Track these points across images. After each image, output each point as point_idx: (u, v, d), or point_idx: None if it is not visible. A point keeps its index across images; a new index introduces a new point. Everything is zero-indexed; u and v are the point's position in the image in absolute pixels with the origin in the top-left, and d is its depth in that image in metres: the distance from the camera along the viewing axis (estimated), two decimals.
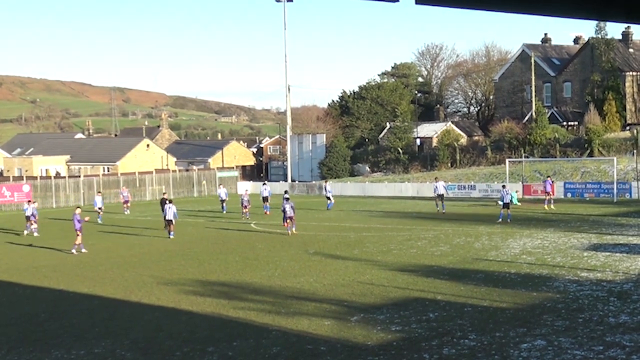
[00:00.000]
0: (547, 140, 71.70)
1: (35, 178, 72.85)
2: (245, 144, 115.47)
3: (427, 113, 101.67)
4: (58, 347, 17.16)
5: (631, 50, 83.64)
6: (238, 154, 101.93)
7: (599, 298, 20.14)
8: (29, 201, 47.57)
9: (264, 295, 22.37)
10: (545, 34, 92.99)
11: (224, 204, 53.42)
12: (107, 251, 34.19)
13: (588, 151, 67.89)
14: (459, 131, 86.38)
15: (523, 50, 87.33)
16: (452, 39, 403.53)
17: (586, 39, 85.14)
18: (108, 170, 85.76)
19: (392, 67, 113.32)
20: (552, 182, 49.61)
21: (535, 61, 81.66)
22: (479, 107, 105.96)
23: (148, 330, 18.47)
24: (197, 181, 78.19)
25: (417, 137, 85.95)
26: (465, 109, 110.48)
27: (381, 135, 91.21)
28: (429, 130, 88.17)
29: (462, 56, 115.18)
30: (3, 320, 20.49)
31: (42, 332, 18.74)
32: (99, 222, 48.08)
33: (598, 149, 67.57)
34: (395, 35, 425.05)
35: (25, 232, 43.11)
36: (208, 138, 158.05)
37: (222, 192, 54.73)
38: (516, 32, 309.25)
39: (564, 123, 79.22)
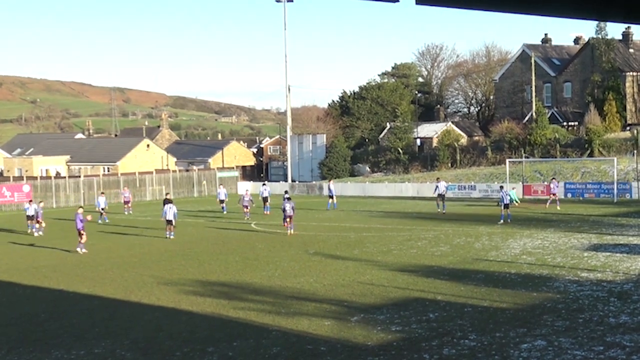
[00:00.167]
0: (548, 141, 71.68)
1: (36, 178, 72.87)
2: (246, 144, 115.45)
3: (428, 113, 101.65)
4: (58, 347, 17.16)
5: (631, 50, 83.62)
6: (238, 154, 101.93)
7: (599, 298, 20.14)
8: (30, 201, 47.62)
9: (264, 296, 22.37)
10: (546, 34, 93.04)
11: (224, 205, 53.38)
12: (107, 251, 34.19)
13: (588, 151, 67.86)
14: (459, 131, 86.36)
15: (523, 50, 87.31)
16: (453, 39, 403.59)
17: (586, 40, 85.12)
18: (108, 171, 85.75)
19: (393, 67, 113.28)
20: (558, 183, 50.37)
21: (535, 61, 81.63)
22: (479, 108, 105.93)
23: (148, 331, 18.47)
24: (198, 181, 78.19)
25: (418, 138, 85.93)
26: (466, 109, 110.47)
27: (381, 136, 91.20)
28: (429, 130, 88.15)
29: (462, 56, 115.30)
30: (3, 320, 20.49)
31: (42, 332, 18.74)
32: (106, 221, 48.14)
33: (598, 149, 67.55)
34: (395, 35, 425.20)
35: (32, 230, 43.12)
36: (208, 138, 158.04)
37: (221, 192, 54.67)
38: (516, 33, 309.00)
39: (564, 123, 79.21)
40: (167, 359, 15.90)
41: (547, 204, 47.84)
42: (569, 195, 55.19)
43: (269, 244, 34.65)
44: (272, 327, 18.18)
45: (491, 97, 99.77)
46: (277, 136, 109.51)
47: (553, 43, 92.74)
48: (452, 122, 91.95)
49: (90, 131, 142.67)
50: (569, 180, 59.40)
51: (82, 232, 33.90)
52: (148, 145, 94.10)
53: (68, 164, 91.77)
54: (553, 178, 52.52)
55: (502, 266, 26.01)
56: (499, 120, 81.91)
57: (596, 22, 76.04)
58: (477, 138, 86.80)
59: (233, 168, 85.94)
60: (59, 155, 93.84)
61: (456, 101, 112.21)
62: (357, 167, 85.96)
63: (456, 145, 79.06)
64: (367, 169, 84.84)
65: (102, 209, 50.05)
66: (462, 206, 52.10)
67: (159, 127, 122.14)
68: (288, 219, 38.41)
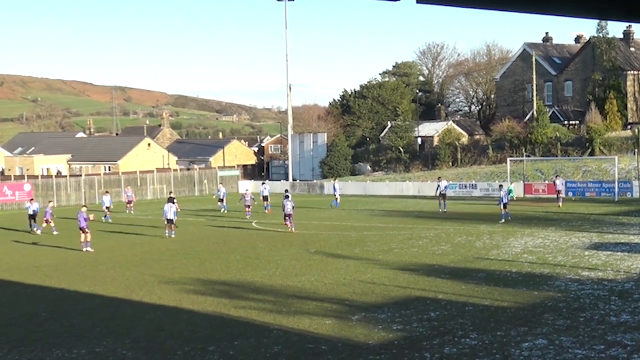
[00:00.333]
0: (549, 139, 71.67)
1: (37, 177, 72.93)
2: (247, 143, 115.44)
3: (428, 112, 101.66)
4: (59, 346, 17.17)
5: (632, 49, 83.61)
6: (239, 153, 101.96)
7: (600, 297, 20.14)
8: (31, 200, 47.68)
9: (265, 294, 22.37)
10: (547, 33, 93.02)
11: (224, 203, 53.35)
12: (108, 250, 34.19)
13: (589, 150, 67.87)
14: (460, 130, 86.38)
15: (524, 49, 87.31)
16: (453, 38, 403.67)
17: (587, 38, 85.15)
18: (109, 169, 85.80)
19: (393, 66, 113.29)
20: (563, 180, 50.82)
21: (536, 60, 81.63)
22: (480, 106, 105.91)
23: (149, 330, 18.47)
24: (199, 180, 78.22)
25: (418, 136, 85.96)
26: (467, 108, 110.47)
27: (382, 134, 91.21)
28: (430, 129, 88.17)
29: (463, 55, 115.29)
30: (4, 319, 20.50)
31: (43, 332, 18.75)
32: (109, 221, 48.15)
33: (599, 148, 67.55)
34: (396, 34, 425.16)
35: (39, 231, 43.05)
36: (209, 137, 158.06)
37: (221, 191, 54.63)
38: (517, 31, 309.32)
39: (565, 122, 79.22)
40: (168, 358, 15.90)
41: (560, 202, 47.68)
42: (570, 194, 55.15)
43: (270, 243, 34.65)
44: (273, 326, 18.18)
45: (492, 96, 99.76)
46: (278, 135, 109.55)
47: (554, 42, 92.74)
48: (453, 121, 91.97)
49: (91, 130, 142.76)
50: (570, 179, 59.39)
51: (86, 230, 33.99)
52: (149, 144, 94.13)
53: (69, 162, 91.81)
54: (557, 176, 52.56)
55: (503, 265, 26.01)
56: (499, 119, 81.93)
57: (597, 21, 75.97)
58: (478, 137, 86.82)
59: (234, 167, 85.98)
60: (60, 154, 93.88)
61: (457, 100, 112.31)
62: (358, 166, 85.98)
63: (457, 144, 79.09)
64: (368, 167, 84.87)
65: (107, 208, 50.12)
66: (463, 205, 52.09)
67: (160, 126, 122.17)
68: (288, 217, 38.53)
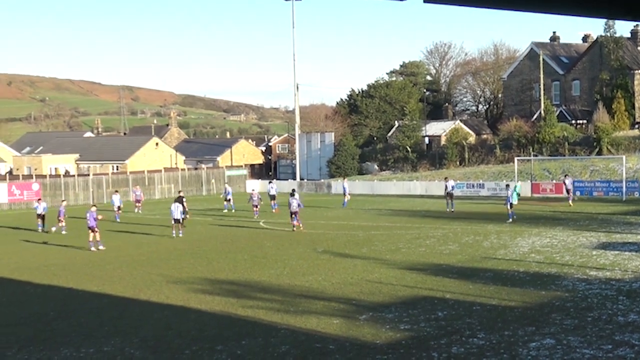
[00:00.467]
0: (556, 139, 71.53)
1: (45, 177, 73.18)
2: (254, 142, 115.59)
3: (436, 111, 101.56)
4: (67, 345, 17.23)
5: None
6: (247, 152, 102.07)
7: (608, 297, 20.10)
8: (39, 199, 47.86)
9: (272, 294, 22.40)
10: (554, 33, 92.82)
11: (231, 203, 53.37)
12: (116, 250, 34.28)
13: (597, 149, 67.70)
14: (467, 129, 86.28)
15: (532, 48, 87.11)
16: (461, 37, 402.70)
17: (595, 37, 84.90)
18: (117, 169, 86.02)
19: (401, 66, 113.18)
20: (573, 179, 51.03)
21: (543, 59, 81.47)
22: (487, 106, 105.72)
23: (157, 329, 18.51)
24: (206, 180, 78.33)
25: (426, 136, 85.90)
26: (474, 108, 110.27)
27: (390, 134, 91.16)
28: (438, 128, 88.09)
29: (470, 54, 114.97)
30: (14, 319, 20.58)
31: (51, 331, 18.81)
32: (117, 220, 48.25)
33: (607, 147, 67.38)
34: (403, 34, 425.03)
35: (53, 228, 43.17)
36: (217, 136, 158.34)
37: (227, 191, 54.60)
38: (525, 31, 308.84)
39: (573, 121, 79.02)
40: (176, 357, 15.93)
41: (571, 201, 48.08)
42: (578, 193, 55.05)
43: (278, 242, 34.68)
44: (280, 326, 18.21)
45: (499, 95, 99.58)
46: (286, 134, 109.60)
47: (561, 41, 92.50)
48: (460, 120, 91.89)
49: (99, 129, 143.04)
50: (578, 179, 59.27)
51: (95, 229, 34.13)
52: (157, 144, 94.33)
53: (77, 162, 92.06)
54: (566, 175, 52.68)
55: (510, 264, 25.98)
56: (507, 119, 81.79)
57: (605, 20, 75.81)
58: (485, 136, 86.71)
59: (242, 166, 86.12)
60: (68, 154, 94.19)
61: (464, 99, 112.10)
62: (365, 165, 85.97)
63: (464, 143, 78.99)
64: (376, 167, 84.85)
65: (118, 207, 50.24)
66: (471, 204, 52.03)
67: (167, 125, 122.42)
68: (293, 215, 38.61)
